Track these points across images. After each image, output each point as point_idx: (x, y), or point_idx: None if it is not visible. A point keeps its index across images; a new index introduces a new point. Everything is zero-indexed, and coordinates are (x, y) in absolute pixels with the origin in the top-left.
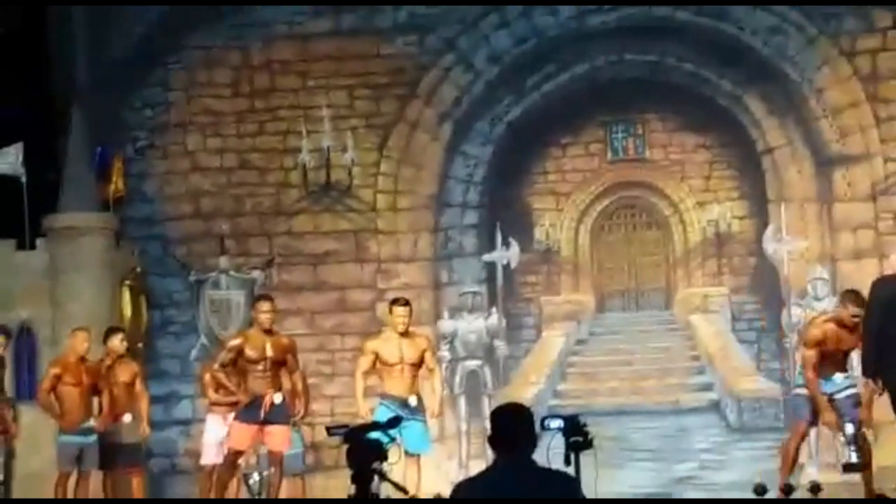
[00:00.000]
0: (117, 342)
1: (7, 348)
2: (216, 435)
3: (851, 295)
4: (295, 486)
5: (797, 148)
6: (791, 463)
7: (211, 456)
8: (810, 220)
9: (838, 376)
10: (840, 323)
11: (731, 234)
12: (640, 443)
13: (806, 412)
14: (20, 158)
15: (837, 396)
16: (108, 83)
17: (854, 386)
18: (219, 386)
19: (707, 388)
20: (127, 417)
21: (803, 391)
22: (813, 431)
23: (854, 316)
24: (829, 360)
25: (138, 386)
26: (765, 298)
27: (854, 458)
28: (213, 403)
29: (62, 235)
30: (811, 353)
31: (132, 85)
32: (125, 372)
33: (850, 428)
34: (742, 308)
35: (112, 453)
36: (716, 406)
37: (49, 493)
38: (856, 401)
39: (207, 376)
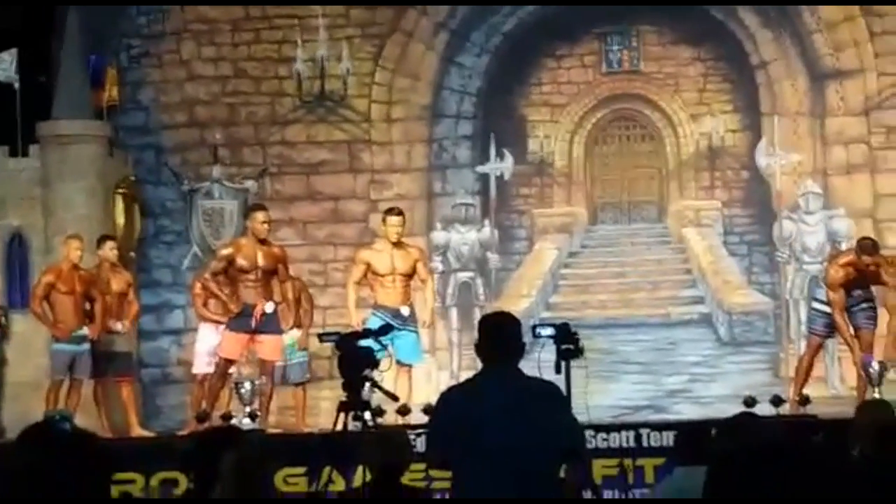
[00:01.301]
0: (108, 250)
1: None
2: (208, 344)
3: (867, 245)
4: (294, 396)
5: (791, 62)
6: (805, 375)
7: (202, 365)
8: (803, 134)
9: (857, 292)
10: (858, 267)
11: (724, 148)
12: (630, 356)
13: (820, 327)
14: (14, 65)
15: (853, 309)
16: None
17: (870, 300)
18: (208, 297)
19: (698, 301)
20: (118, 326)
21: (819, 306)
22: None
23: (868, 265)
24: (852, 287)
25: (130, 295)
26: (757, 212)
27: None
28: (202, 317)
29: (55, 143)
30: (838, 297)
31: None
32: (118, 280)
33: (875, 366)
34: (734, 221)
35: (103, 362)
36: (707, 319)
37: (40, 402)
38: (868, 315)
39: (198, 287)
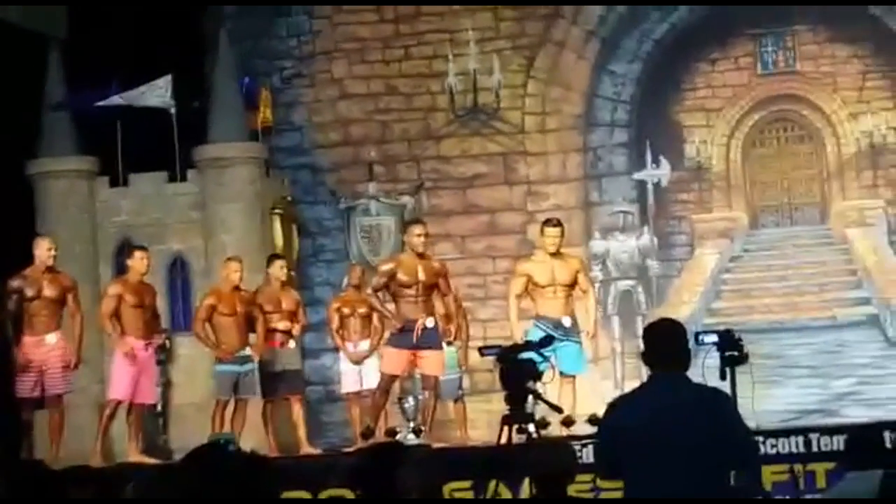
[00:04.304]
0: (278, 269)
1: (149, 267)
2: (352, 363)
3: None
4: (454, 410)
5: None
6: None
7: (349, 384)
8: None
9: None
10: None
11: (886, 145)
12: (797, 359)
13: None
14: (169, 91)
15: None
16: (254, 13)
17: None
18: (343, 318)
19: (865, 302)
20: (290, 344)
21: None
22: None
23: None
24: None
25: (300, 313)
26: None
27: None
28: (334, 339)
29: (212, 166)
30: None
31: (277, 14)
32: (287, 299)
33: None
34: None
35: (274, 380)
36: (874, 320)
37: (205, 423)
38: None
39: (332, 308)
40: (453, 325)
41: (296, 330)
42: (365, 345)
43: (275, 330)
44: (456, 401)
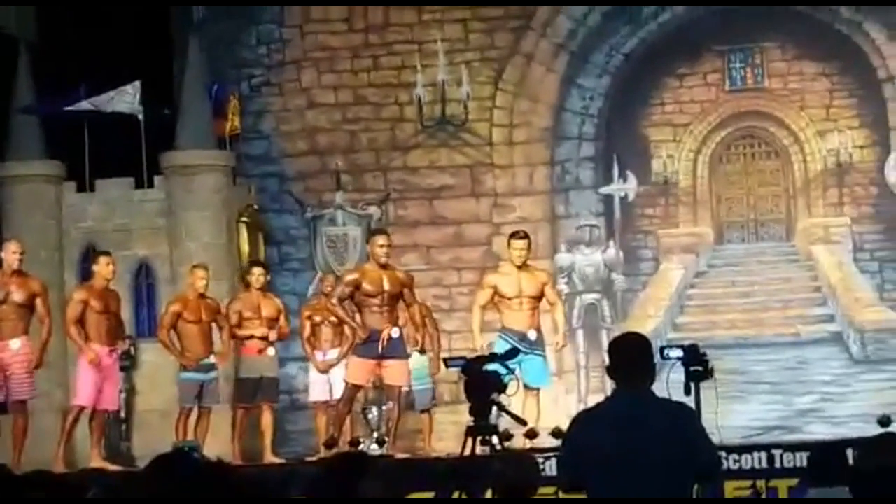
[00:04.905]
0: (254, 277)
1: (115, 273)
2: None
3: None
4: (423, 420)
5: None
6: None
7: (317, 392)
8: None
9: None
10: None
11: (852, 164)
12: (761, 375)
13: None
14: (138, 97)
15: None
16: (224, 21)
17: None
18: (314, 327)
19: (829, 319)
20: (270, 351)
21: None
22: None
23: None
24: None
25: (281, 320)
26: (887, 228)
27: None
28: (305, 349)
29: (179, 173)
30: None
31: (247, 22)
32: (268, 306)
33: None
34: (864, 238)
35: (251, 388)
36: (838, 337)
37: (169, 430)
38: None
39: (304, 316)
40: (419, 334)
41: (272, 336)
42: (335, 353)
43: (253, 336)
44: (423, 411)
